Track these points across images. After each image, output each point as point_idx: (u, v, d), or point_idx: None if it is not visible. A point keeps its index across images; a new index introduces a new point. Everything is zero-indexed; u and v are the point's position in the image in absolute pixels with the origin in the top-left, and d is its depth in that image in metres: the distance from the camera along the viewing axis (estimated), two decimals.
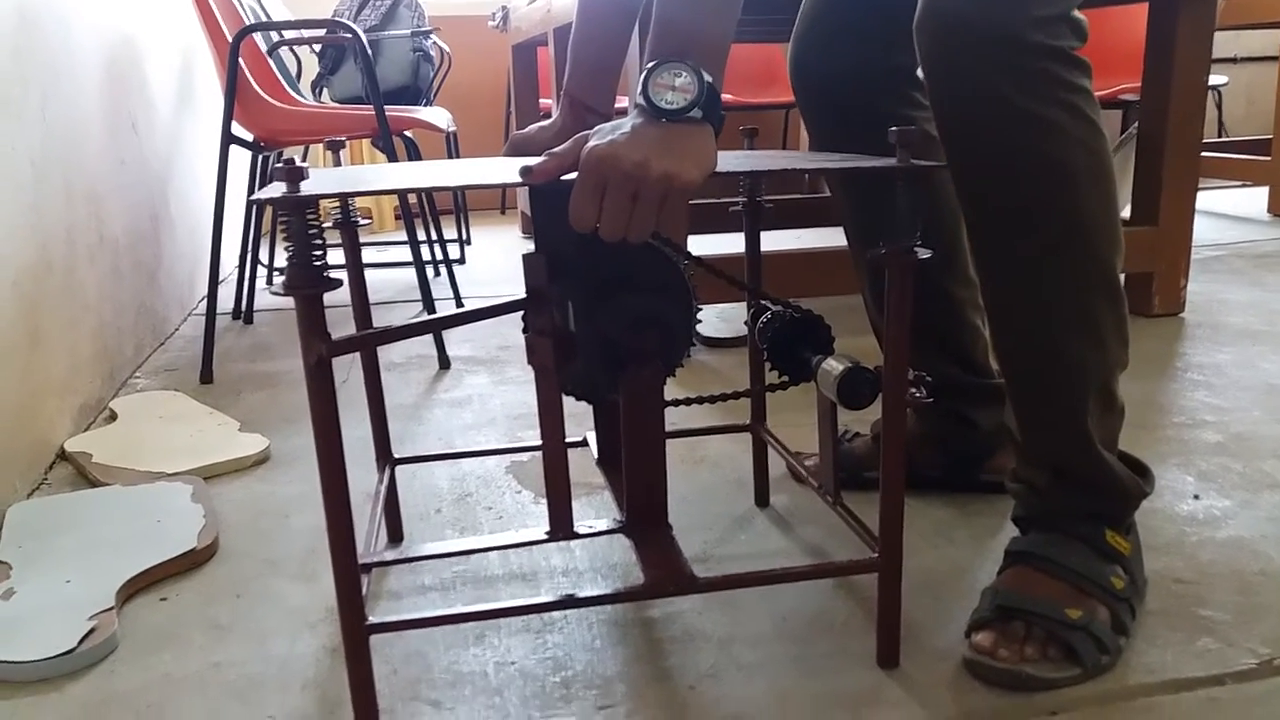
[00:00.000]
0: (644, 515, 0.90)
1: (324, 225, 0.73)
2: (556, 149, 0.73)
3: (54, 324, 1.46)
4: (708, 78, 0.73)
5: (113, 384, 1.72)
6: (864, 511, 0.94)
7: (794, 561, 1.07)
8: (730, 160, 0.87)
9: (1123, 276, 0.90)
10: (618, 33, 1.07)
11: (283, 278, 0.70)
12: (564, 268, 0.83)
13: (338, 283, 0.72)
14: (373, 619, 0.77)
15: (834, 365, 0.88)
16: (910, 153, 0.77)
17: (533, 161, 0.72)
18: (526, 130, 1.06)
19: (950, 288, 1.15)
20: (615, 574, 1.05)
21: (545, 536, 0.89)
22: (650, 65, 0.74)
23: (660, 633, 0.93)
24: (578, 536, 0.89)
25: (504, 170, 0.80)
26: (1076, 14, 0.85)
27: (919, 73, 1.13)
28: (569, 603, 0.81)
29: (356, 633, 0.76)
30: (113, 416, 1.57)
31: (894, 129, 0.76)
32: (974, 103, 0.84)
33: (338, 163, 1.06)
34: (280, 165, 0.67)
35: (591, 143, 0.72)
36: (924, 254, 0.78)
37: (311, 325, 0.71)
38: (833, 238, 1.61)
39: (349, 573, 0.74)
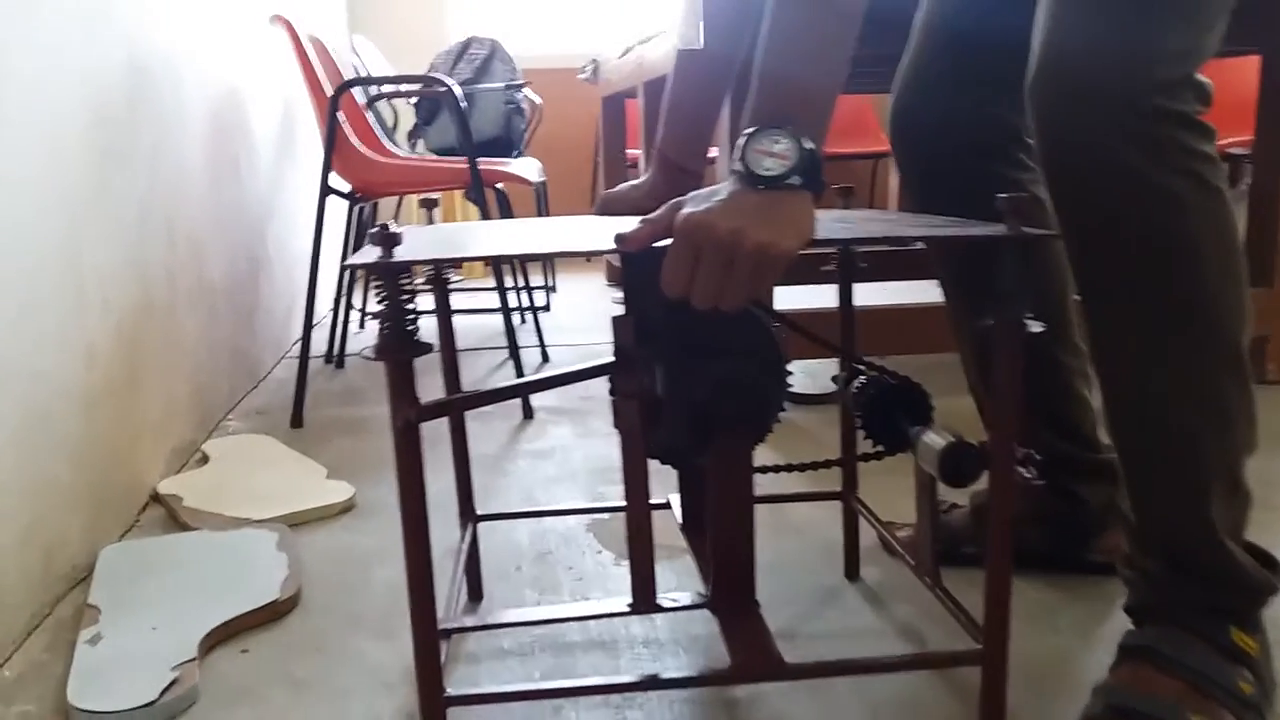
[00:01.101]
0: (730, 590, 0.87)
1: (416, 286, 0.72)
2: (651, 215, 0.71)
3: (153, 366, 1.50)
4: (808, 144, 0.71)
5: (206, 426, 1.76)
6: (961, 590, 0.89)
7: (886, 642, 1.02)
8: (828, 224, 0.84)
9: None
10: (713, 93, 1.06)
11: (375, 343, 0.70)
12: (653, 329, 0.81)
13: (428, 348, 0.71)
14: (450, 690, 0.75)
15: (935, 440, 0.83)
16: (1020, 220, 0.73)
17: (627, 227, 0.71)
18: (617, 189, 1.05)
19: (1058, 356, 1.09)
20: (698, 647, 1.01)
21: (628, 609, 0.86)
22: (749, 131, 0.72)
23: (745, 716, 0.89)
24: (661, 610, 0.86)
25: (596, 233, 0.79)
26: (1200, 77, 0.81)
27: (1025, 135, 1.10)
28: (651, 684, 0.78)
29: (434, 705, 0.74)
30: (204, 459, 1.60)
31: (1003, 196, 0.72)
32: (1091, 170, 0.80)
33: (430, 219, 1.07)
34: (375, 230, 0.67)
35: (686, 210, 0.70)
36: (1036, 327, 0.74)
37: (401, 390, 0.70)
38: (923, 293, 1.56)
39: (428, 643, 0.72)
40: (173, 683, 0.92)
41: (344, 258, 2.30)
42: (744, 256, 0.69)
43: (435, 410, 0.72)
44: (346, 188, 2.05)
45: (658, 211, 0.71)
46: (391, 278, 0.67)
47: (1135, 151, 0.77)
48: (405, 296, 0.68)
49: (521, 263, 2.57)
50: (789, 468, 1.00)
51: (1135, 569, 0.89)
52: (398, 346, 0.68)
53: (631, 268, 0.81)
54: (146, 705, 0.89)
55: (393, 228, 0.68)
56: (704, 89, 1.05)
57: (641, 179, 1.07)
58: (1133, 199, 0.79)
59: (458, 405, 0.76)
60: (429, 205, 1.05)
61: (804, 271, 2.05)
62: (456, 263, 0.71)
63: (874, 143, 3.78)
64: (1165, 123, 0.77)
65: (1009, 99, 1.07)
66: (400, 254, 0.66)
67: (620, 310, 0.82)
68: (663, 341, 0.82)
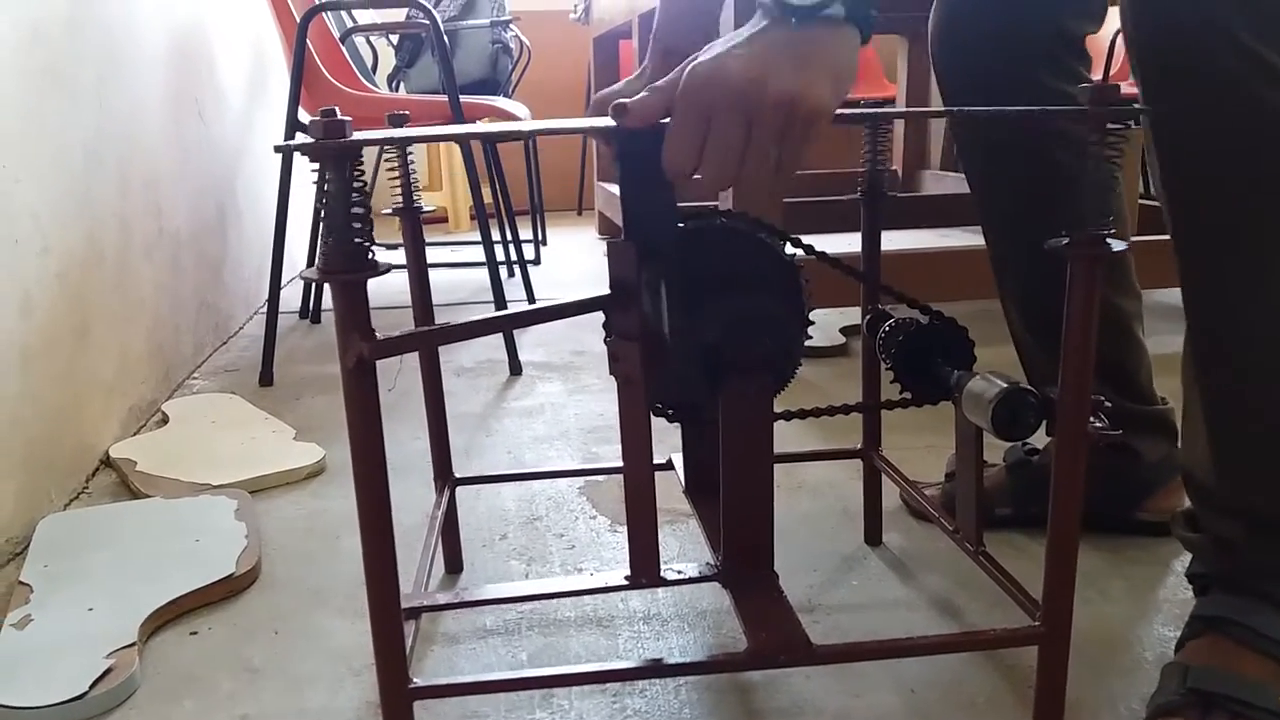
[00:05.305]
0: (744, 560, 0.75)
1: (382, 211, 0.59)
2: (659, 83, 0.57)
3: (104, 319, 1.37)
4: None
5: (168, 385, 1.63)
6: (1000, 557, 0.78)
7: (918, 616, 0.90)
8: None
9: None
10: None
11: (317, 262, 0.57)
12: (657, 258, 0.68)
13: (385, 267, 0.58)
14: (418, 680, 0.63)
15: (986, 385, 0.71)
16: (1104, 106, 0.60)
17: (630, 100, 0.57)
18: (612, 87, 0.91)
19: (1113, 298, 0.97)
20: (705, 623, 0.90)
21: (625, 582, 0.74)
22: None
23: (761, 702, 0.78)
24: (665, 584, 0.74)
25: (589, 125, 0.66)
26: None
27: (1078, 43, 0.97)
28: (656, 670, 0.67)
29: (397, 697, 0.62)
30: (164, 420, 1.47)
31: (1086, 85, 0.59)
32: (1206, 43, 0.66)
33: (403, 149, 0.93)
34: (318, 116, 0.54)
35: (694, 61, 0.56)
36: (1119, 246, 0.61)
37: (351, 319, 0.57)
38: (947, 239, 1.43)
39: (389, 628, 0.60)
40: (106, 672, 0.80)
41: (317, 202, 2.15)
42: (767, 113, 0.54)
43: (394, 345, 0.59)
44: None
45: (667, 78, 0.56)
46: (338, 169, 0.54)
47: (1255, 20, 0.64)
48: (356, 201, 0.55)
49: (509, 212, 2.42)
50: (809, 413, 0.87)
51: (1204, 533, 0.78)
52: (345, 263, 0.55)
53: (632, 162, 0.67)
54: (73, 700, 0.77)
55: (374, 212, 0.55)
56: None
57: (637, 73, 0.93)
58: (1252, 79, 0.66)
59: (424, 340, 0.63)
60: (397, 122, 0.91)
61: (815, 214, 1.92)
62: (419, 141, 0.58)
63: (876, 88, 3.63)
64: None
65: (1063, 5, 0.94)
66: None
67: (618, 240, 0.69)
68: (668, 269, 0.69)
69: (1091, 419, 0.66)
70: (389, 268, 0.59)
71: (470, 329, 0.63)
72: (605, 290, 0.67)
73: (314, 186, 2.47)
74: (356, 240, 0.56)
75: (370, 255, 0.57)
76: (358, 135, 0.56)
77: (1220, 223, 0.71)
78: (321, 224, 0.56)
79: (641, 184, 0.67)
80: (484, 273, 1.86)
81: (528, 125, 0.60)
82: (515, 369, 1.75)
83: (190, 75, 1.88)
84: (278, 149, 0.55)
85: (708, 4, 0.92)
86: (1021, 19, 0.93)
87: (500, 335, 1.78)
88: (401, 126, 0.94)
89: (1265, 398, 0.71)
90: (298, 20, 1.67)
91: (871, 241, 0.96)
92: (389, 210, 0.92)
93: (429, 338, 0.61)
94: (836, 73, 0.56)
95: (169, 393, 1.63)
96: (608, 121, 0.59)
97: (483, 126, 0.59)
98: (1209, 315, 0.74)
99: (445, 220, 3.79)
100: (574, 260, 3.01)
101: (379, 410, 0.59)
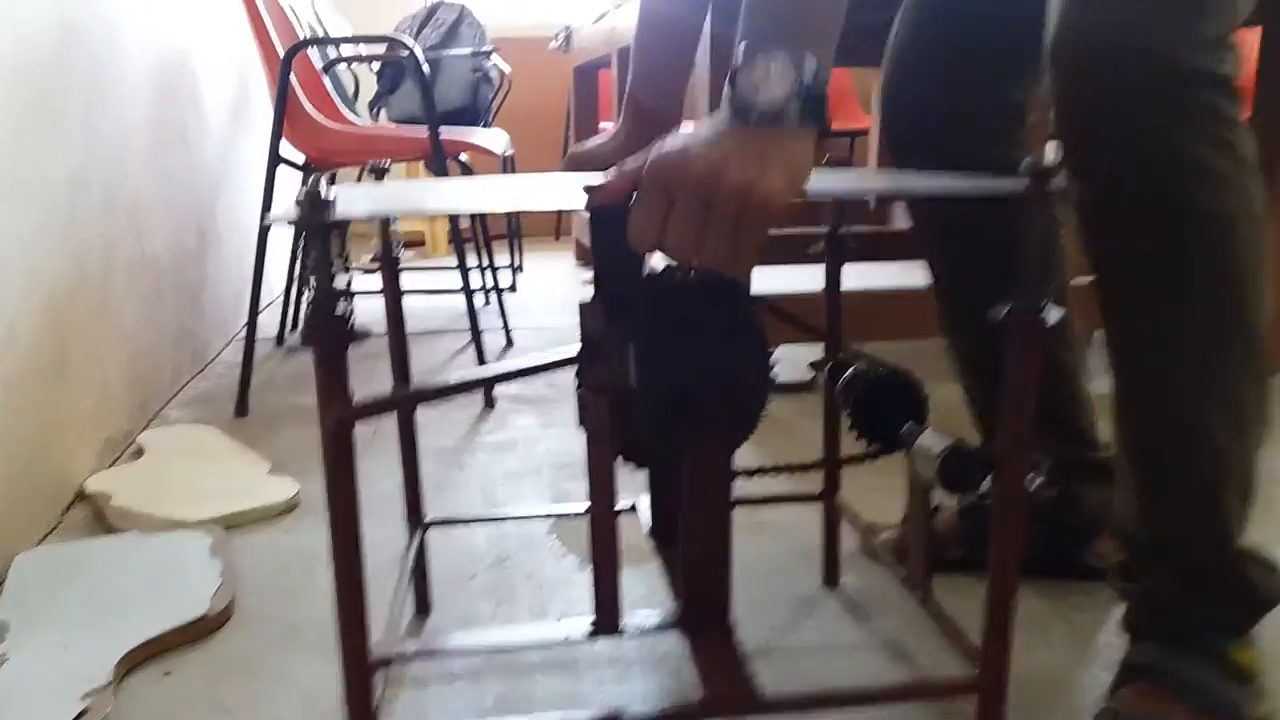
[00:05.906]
0: (701, 610, 0.78)
1: (365, 265, 0.63)
2: (627, 163, 0.61)
3: (85, 347, 1.39)
4: (810, 65, 0.60)
5: (144, 415, 1.64)
6: (949, 600, 0.82)
7: (870, 659, 0.94)
8: (824, 179, 0.74)
9: None
10: (686, 28, 0.95)
11: (301, 327, 0.60)
12: (625, 312, 0.72)
13: (363, 335, 0.62)
14: None
15: (933, 442, 0.75)
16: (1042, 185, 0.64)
17: (598, 178, 0.61)
18: (586, 144, 0.94)
19: (1057, 350, 1.01)
20: (666, 668, 0.93)
21: (590, 629, 0.77)
22: (741, 54, 0.61)
23: None
24: (625, 634, 0.77)
25: (562, 190, 0.69)
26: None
27: (1027, 114, 1.02)
28: None
29: None
30: (139, 452, 1.49)
31: (1031, 157, 0.64)
32: (1118, 137, 0.71)
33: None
34: (304, 190, 0.57)
35: (660, 146, 0.60)
36: (1056, 314, 0.66)
37: (331, 385, 0.60)
38: (908, 275, 1.47)
39: (359, 683, 0.63)
40: (82, 714, 0.83)
41: (297, 232, 2.18)
42: (724, 199, 0.58)
43: (374, 408, 0.62)
44: (301, 158, 1.93)
45: (634, 159, 0.60)
46: (321, 243, 0.57)
47: (1170, 118, 0.69)
48: (336, 273, 0.58)
49: (486, 239, 2.46)
50: (769, 470, 0.91)
51: (1135, 583, 0.83)
52: (326, 332, 0.58)
53: (603, 230, 0.70)
54: None
55: (327, 191, 0.58)
56: (676, 22, 0.94)
57: (612, 132, 0.96)
58: (1164, 171, 0.71)
59: (399, 402, 0.66)
60: (379, 173, 0.94)
61: (786, 252, 1.97)
62: (402, 215, 0.62)
63: (852, 119, 3.70)
64: (1204, 87, 0.69)
65: (1010, 74, 0.99)
66: (337, 208, 0.56)
67: (589, 291, 0.73)
68: (636, 319, 0.72)
69: (1031, 476, 0.70)
70: (368, 334, 0.63)
71: (446, 390, 0.66)
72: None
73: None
74: (339, 311, 0.59)
75: (350, 326, 0.61)
76: (342, 201, 0.59)
77: (1132, 272, 0.76)
78: (309, 290, 0.59)
79: (612, 248, 0.70)
80: (459, 299, 1.89)
81: (506, 205, 0.63)
82: (489, 402, 1.77)
83: (175, 101, 1.90)
84: (267, 223, 0.58)
85: (679, 65, 0.96)
86: (968, 89, 0.97)
87: (475, 362, 1.81)
88: (382, 178, 0.98)
89: (1182, 450, 0.76)
90: (281, 56, 1.70)
91: (833, 288, 1.00)
92: (369, 264, 0.95)
93: (408, 400, 0.64)
94: (792, 168, 0.60)
95: (145, 423, 1.64)
96: (580, 189, 0.62)
97: (465, 203, 0.63)
98: (1122, 364, 0.78)
99: (423, 244, 3.82)
100: (551, 288, 3.04)
101: (354, 470, 0.62)
